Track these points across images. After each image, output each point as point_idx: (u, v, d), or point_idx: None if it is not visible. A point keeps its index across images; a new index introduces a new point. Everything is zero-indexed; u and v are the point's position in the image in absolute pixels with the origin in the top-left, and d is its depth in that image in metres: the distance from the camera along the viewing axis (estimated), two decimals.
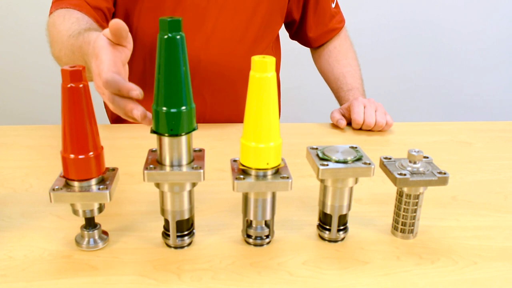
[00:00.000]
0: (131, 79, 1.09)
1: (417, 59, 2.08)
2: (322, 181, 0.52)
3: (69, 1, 0.86)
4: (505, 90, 2.21)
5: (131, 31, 0.96)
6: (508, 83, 2.20)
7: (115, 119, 1.08)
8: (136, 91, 0.50)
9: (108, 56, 0.55)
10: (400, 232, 0.56)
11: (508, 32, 2.10)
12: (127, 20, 0.96)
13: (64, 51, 0.75)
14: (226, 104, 1.00)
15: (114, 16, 0.96)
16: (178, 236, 0.52)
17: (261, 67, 0.45)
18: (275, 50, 1.13)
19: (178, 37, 0.44)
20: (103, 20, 0.89)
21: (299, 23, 1.14)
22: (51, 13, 0.87)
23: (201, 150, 0.52)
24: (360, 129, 0.95)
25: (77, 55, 0.69)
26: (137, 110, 0.50)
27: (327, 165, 0.50)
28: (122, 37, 0.56)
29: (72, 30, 0.75)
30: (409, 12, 2.00)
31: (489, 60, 2.14)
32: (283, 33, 1.15)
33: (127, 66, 0.59)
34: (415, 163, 0.53)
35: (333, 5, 1.13)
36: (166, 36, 0.44)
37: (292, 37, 1.20)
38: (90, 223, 0.52)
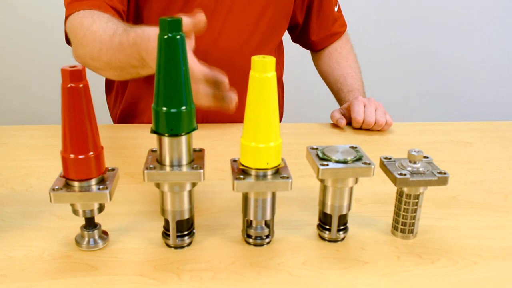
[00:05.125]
0: (139, 77, 1.06)
1: (417, 59, 2.08)
2: (322, 181, 0.52)
3: (88, 2, 0.85)
4: (505, 90, 2.21)
5: None
6: (508, 83, 2.20)
7: (119, 120, 1.08)
8: (222, 76, 0.55)
9: (187, 47, 0.59)
10: (400, 232, 0.56)
11: (508, 32, 2.10)
12: (137, 21, 0.96)
13: (107, 49, 0.73)
14: None
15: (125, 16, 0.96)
16: (178, 236, 0.52)
17: (261, 67, 0.45)
18: (278, 53, 1.13)
19: (178, 37, 0.44)
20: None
21: (302, 27, 1.14)
22: (69, 14, 0.85)
23: (201, 150, 0.52)
24: (360, 128, 0.95)
25: (128, 52, 0.68)
26: (229, 94, 0.55)
27: (327, 165, 0.50)
28: (201, 26, 0.60)
29: (112, 29, 0.74)
30: (410, 13, 2.00)
31: (489, 60, 2.14)
32: (284, 35, 1.15)
33: None
34: (415, 163, 0.53)
35: (336, 9, 1.14)
36: (166, 36, 0.44)
37: (295, 40, 1.20)
38: (90, 223, 0.52)
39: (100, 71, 0.80)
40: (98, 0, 0.85)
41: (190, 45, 0.61)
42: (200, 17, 0.58)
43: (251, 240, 0.54)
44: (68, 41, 0.91)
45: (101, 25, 0.77)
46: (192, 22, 0.59)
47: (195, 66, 0.56)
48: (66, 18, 0.86)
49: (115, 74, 0.78)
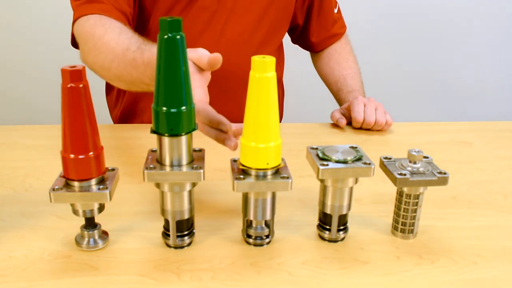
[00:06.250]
0: None
1: (417, 59, 2.08)
2: (322, 181, 0.52)
3: (97, 5, 0.84)
4: (505, 90, 2.21)
5: (145, 33, 0.96)
6: (508, 83, 2.20)
7: (119, 120, 1.08)
8: (226, 126, 0.54)
9: (198, 83, 0.60)
10: (400, 232, 0.56)
11: (508, 32, 2.10)
12: (141, 21, 0.96)
13: (118, 63, 0.73)
14: (230, 106, 1.00)
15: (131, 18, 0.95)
16: (178, 236, 0.52)
17: (261, 67, 0.45)
18: (279, 54, 1.13)
19: (178, 37, 0.44)
20: (128, 24, 0.88)
21: (302, 28, 1.15)
22: (78, 18, 0.85)
23: (201, 150, 0.52)
24: (360, 128, 0.95)
25: (141, 69, 0.69)
26: (231, 141, 0.54)
27: (327, 165, 0.50)
28: (216, 67, 0.60)
29: (125, 43, 0.74)
30: (410, 12, 2.00)
31: (489, 60, 2.14)
32: (284, 36, 1.15)
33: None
34: (415, 163, 0.53)
35: (336, 10, 1.14)
36: (166, 36, 0.44)
37: (294, 41, 1.21)
38: (90, 223, 0.52)
39: (110, 80, 0.80)
40: (106, 4, 0.85)
41: (206, 77, 0.62)
42: (218, 57, 0.59)
43: (251, 240, 0.54)
44: (73, 43, 0.90)
45: (113, 36, 0.77)
46: (208, 60, 0.60)
47: (202, 108, 0.56)
48: (74, 21, 0.86)
49: (125, 86, 0.79)
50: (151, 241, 0.54)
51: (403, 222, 0.55)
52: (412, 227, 0.55)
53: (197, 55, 0.61)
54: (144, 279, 0.47)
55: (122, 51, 0.73)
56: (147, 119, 1.02)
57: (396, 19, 2.00)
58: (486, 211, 0.63)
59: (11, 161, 0.75)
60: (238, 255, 0.52)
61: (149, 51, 0.69)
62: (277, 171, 0.49)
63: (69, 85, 0.44)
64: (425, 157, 0.55)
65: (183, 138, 0.47)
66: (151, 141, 0.50)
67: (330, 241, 0.55)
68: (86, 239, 0.52)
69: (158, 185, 0.50)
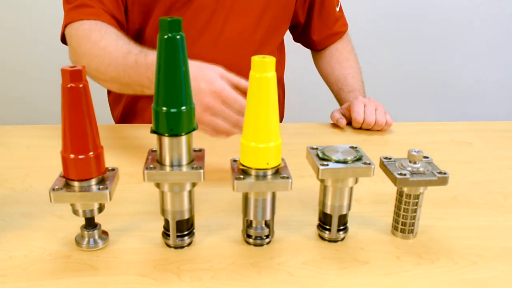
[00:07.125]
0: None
1: (417, 59, 2.08)
2: (322, 181, 0.52)
3: (88, 10, 0.86)
4: (505, 90, 2.21)
5: (143, 35, 0.96)
6: (508, 83, 2.20)
7: (121, 118, 1.08)
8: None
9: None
10: (400, 232, 0.56)
11: (508, 32, 2.10)
12: (141, 21, 0.96)
13: (117, 65, 0.76)
14: None
15: (127, 17, 0.96)
16: (178, 236, 0.52)
17: (261, 67, 0.45)
18: (280, 53, 1.13)
19: (178, 37, 0.44)
20: (120, 29, 0.89)
21: (304, 26, 1.15)
22: (70, 22, 0.86)
23: (201, 150, 0.52)
24: (360, 128, 0.95)
25: (142, 70, 0.72)
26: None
27: (327, 165, 0.50)
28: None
29: (125, 48, 0.77)
30: (410, 12, 2.00)
31: (489, 60, 2.14)
32: (286, 35, 1.15)
33: None
34: (415, 163, 0.53)
35: (337, 9, 1.14)
36: (166, 36, 0.44)
37: (296, 39, 1.21)
38: (90, 223, 0.52)
39: (103, 82, 0.82)
40: (97, 9, 0.86)
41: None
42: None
43: (251, 240, 0.54)
44: (63, 40, 0.91)
45: (110, 42, 0.80)
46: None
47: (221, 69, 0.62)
48: (66, 24, 0.87)
49: (118, 88, 0.81)
50: (151, 241, 0.54)
51: (403, 222, 0.55)
52: (412, 227, 0.55)
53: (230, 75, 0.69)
54: (144, 279, 0.47)
55: (122, 54, 0.76)
56: (149, 118, 1.02)
57: (396, 19, 2.00)
58: (486, 211, 0.63)
59: (11, 161, 0.75)
60: (238, 255, 0.52)
61: (153, 54, 0.71)
62: (277, 171, 0.49)
63: (69, 85, 0.44)
64: (425, 157, 0.55)
65: (183, 138, 0.47)
66: (151, 141, 0.50)
67: (330, 241, 0.55)
68: (86, 239, 0.52)
69: (158, 185, 0.50)
